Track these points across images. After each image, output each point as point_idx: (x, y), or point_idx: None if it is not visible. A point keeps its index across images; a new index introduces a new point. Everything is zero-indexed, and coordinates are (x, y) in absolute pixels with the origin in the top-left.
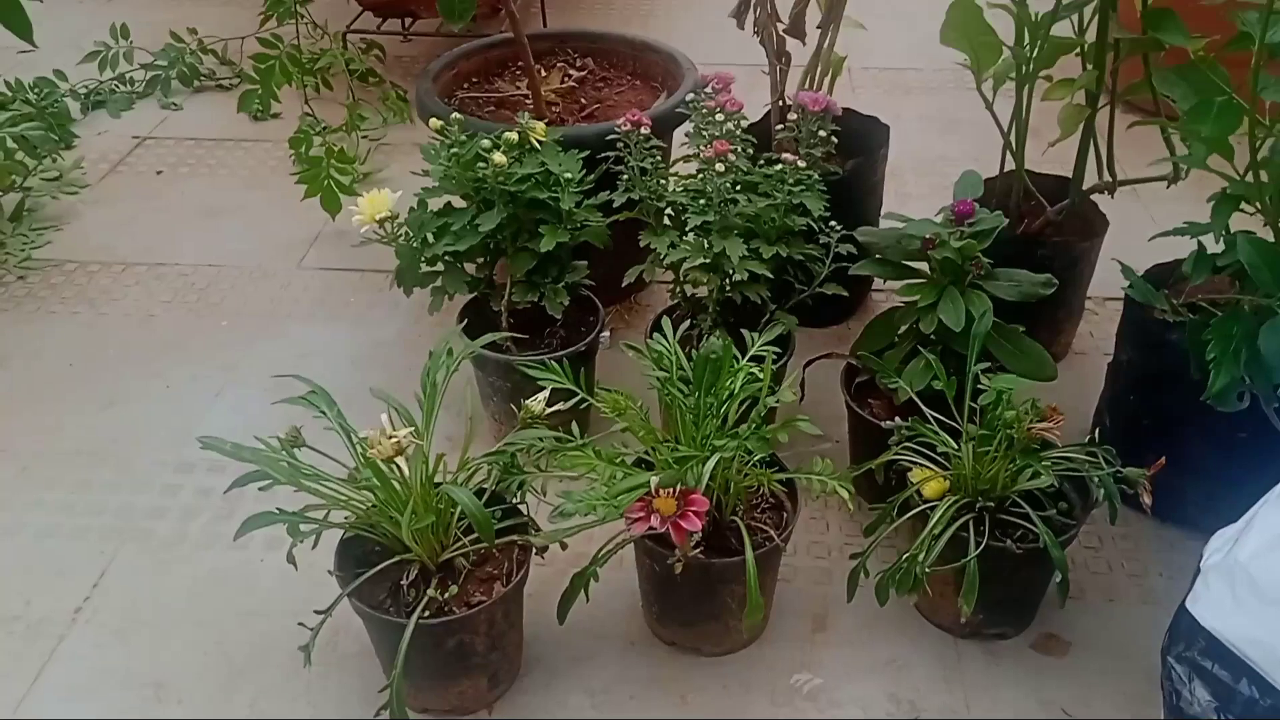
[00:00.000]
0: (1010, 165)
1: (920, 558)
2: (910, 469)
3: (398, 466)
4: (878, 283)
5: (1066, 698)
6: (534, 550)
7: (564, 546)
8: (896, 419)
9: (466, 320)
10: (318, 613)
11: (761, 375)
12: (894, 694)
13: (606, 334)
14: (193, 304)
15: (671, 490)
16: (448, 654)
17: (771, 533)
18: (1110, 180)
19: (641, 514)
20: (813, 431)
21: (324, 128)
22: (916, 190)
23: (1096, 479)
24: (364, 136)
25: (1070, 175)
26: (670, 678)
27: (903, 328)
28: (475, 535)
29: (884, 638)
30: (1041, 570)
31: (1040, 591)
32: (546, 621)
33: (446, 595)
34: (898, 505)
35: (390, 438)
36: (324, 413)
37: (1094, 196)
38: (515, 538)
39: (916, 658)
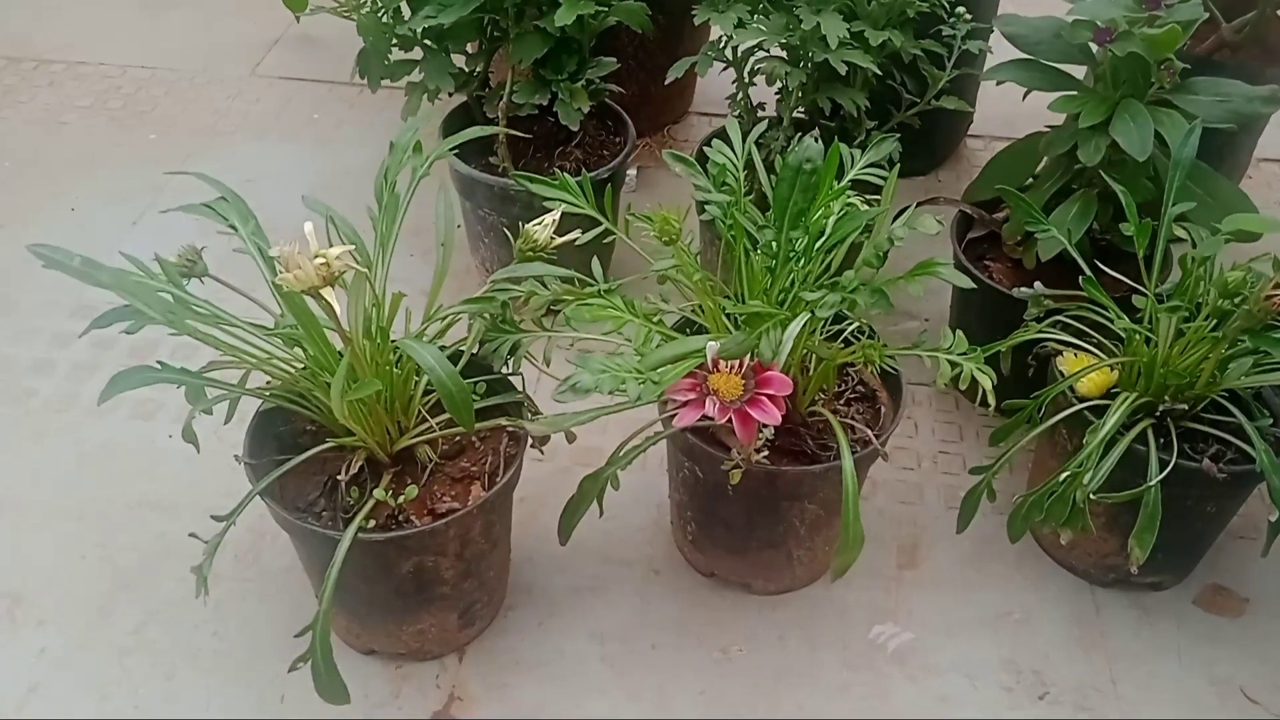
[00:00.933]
0: None
1: (1087, 479)
2: (1058, 354)
3: (326, 305)
4: (976, 127)
5: (1245, 674)
6: (529, 441)
7: (571, 437)
8: (1037, 285)
9: (450, 132)
10: (217, 518)
11: (864, 206)
12: (1011, 660)
13: (632, 171)
14: (115, 111)
15: (736, 365)
16: (402, 581)
17: (867, 433)
18: None
19: (692, 395)
20: (957, 280)
21: None
22: None
23: None
24: None
25: None
26: (708, 622)
27: (1045, 161)
28: (447, 416)
29: (996, 581)
30: (1233, 502)
31: (1219, 530)
32: (542, 539)
33: (401, 499)
34: (1045, 402)
35: (317, 257)
36: (234, 228)
37: None
38: (504, 421)
39: (1041, 611)
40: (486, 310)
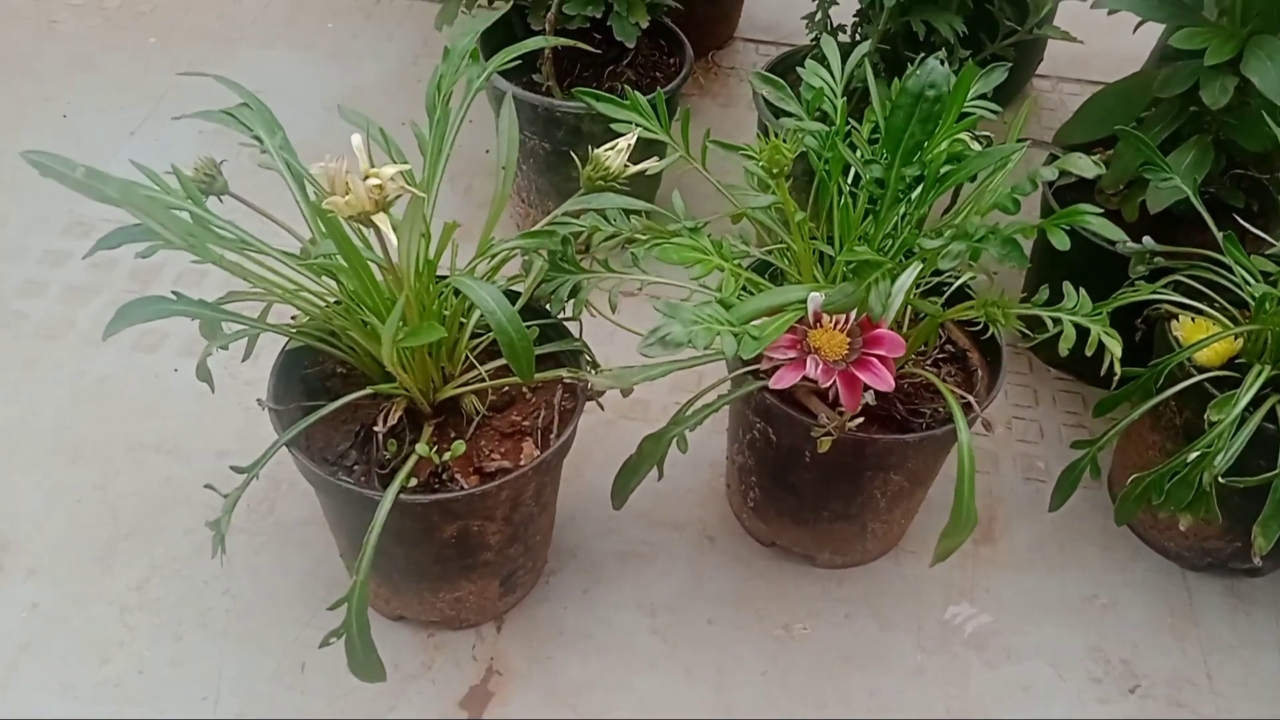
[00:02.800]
0: None
1: (1218, 461)
2: (1172, 318)
3: (378, 233)
4: (1044, 67)
5: None
6: (586, 395)
7: (628, 391)
8: (1147, 239)
9: (491, 49)
10: (237, 470)
11: (977, 145)
12: (1098, 648)
13: None
14: (111, 11)
15: (840, 320)
16: (444, 546)
17: (968, 398)
18: None
19: (793, 353)
20: (1109, 231)
21: None
22: None
23: None
24: None
25: None
26: (769, 596)
27: (1154, 104)
28: (499, 363)
29: (1080, 561)
30: None
31: None
32: (586, 498)
33: (447, 456)
34: (1162, 372)
35: (368, 178)
36: (259, 140)
37: None
38: (563, 373)
39: (1130, 595)
40: (546, 245)
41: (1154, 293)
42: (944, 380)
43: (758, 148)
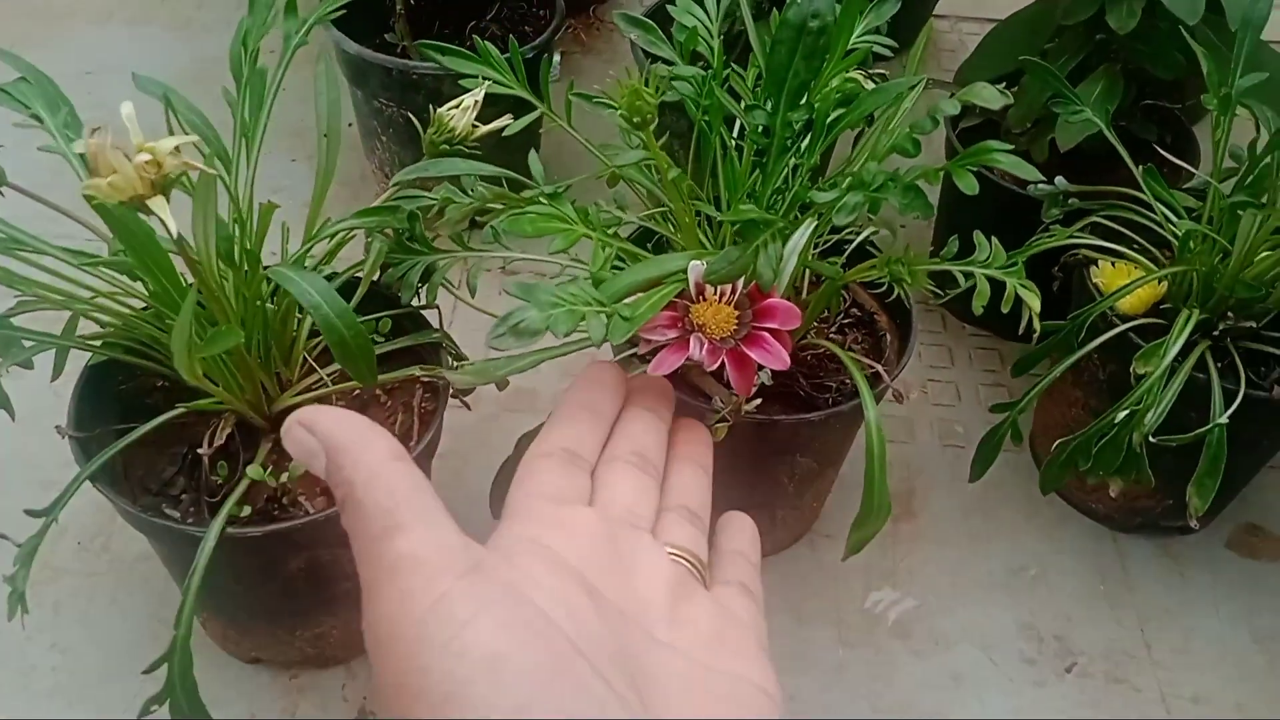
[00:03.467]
0: None
1: (1149, 417)
2: (1090, 264)
3: (160, 223)
4: (942, 6)
5: None
6: (449, 391)
7: (503, 385)
8: (1059, 179)
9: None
10: (33, 514)
11: (869, 84)
12: (1030, 625)
13: (556, 56)
14: None
15: (726, 291)
16: (291, 579)
17: (876, 367)
18: None
19: (673, 333)
20: (1023, 171)
21: None
22: None
23: None
24: None
25: None
26: None
27: (1057, 35)
28: (338, 366)
29: (1006, 531)
30: None
31: (1261, 464)
32: (470, 503)
33: (285, 477)
34: (1083, 325)
35: (140, 153)
36: (38, 119)
37: None
38: (417, 371)
39: (1059, 564)
40: (388, 224)
41: (1070, 237)
42: (850, 349)
43: (619, 92)
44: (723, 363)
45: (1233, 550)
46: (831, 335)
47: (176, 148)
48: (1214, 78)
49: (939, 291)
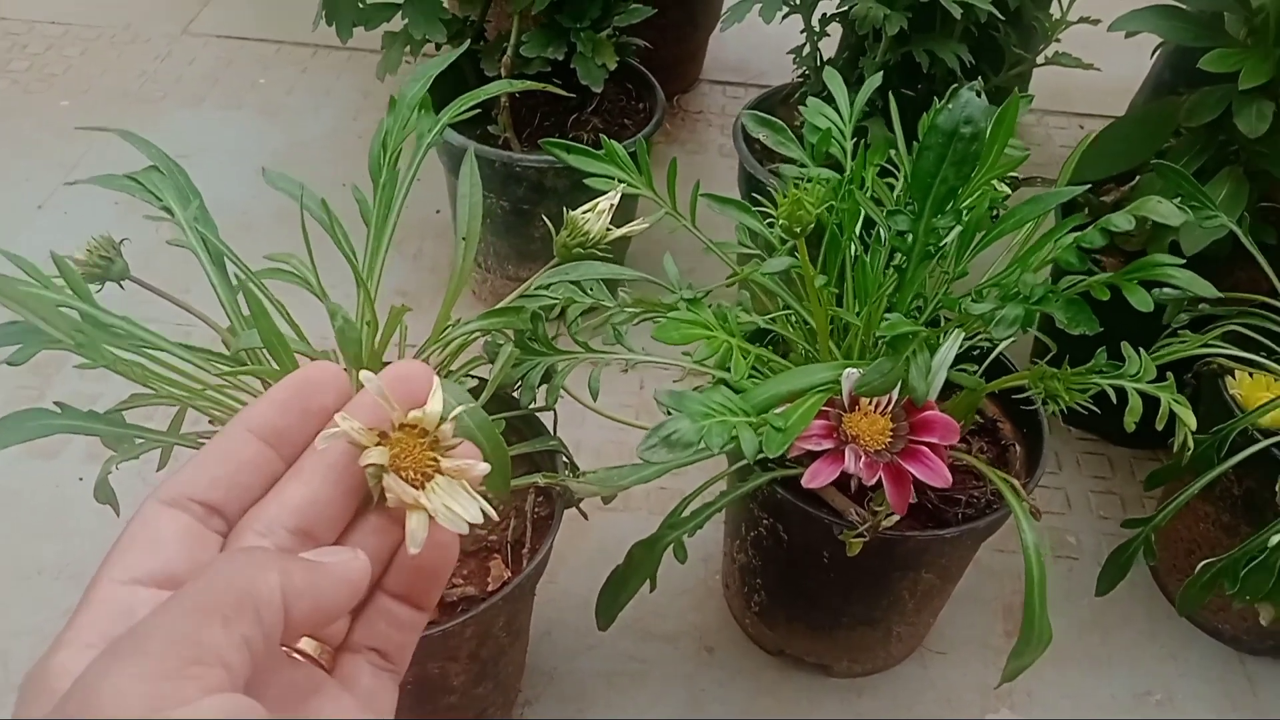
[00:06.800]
0: None
1: None
2: (1226, 374)
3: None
4: None
5: None
6: (566, 500)
7: (608, 499)
8: None
9: (439, 100)
10: None
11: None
12: None
13: None
14: (20, 74)
15: (881, 402)
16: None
17: (1014, 483)
18: None
19: (828, 444)
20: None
21: None
22: None
23: None
24: None
25: None
26: (778, 714)
27: (1180, 133)
28: None
29: (1127, 651)
30: None
31: None
32: (562, 607)
33: None
34: (1225, 441)
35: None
36: (169, 211)
37: None
38: (538, 478)
39: (1185, 688)
40: (514, 325)
41: (1203, 345)
42: (975, 457)
43: (780, 201)
44: (880, 476)
45: None
46: (956, 445)
47: (451, 412)
48: None
49: (1090, 408)
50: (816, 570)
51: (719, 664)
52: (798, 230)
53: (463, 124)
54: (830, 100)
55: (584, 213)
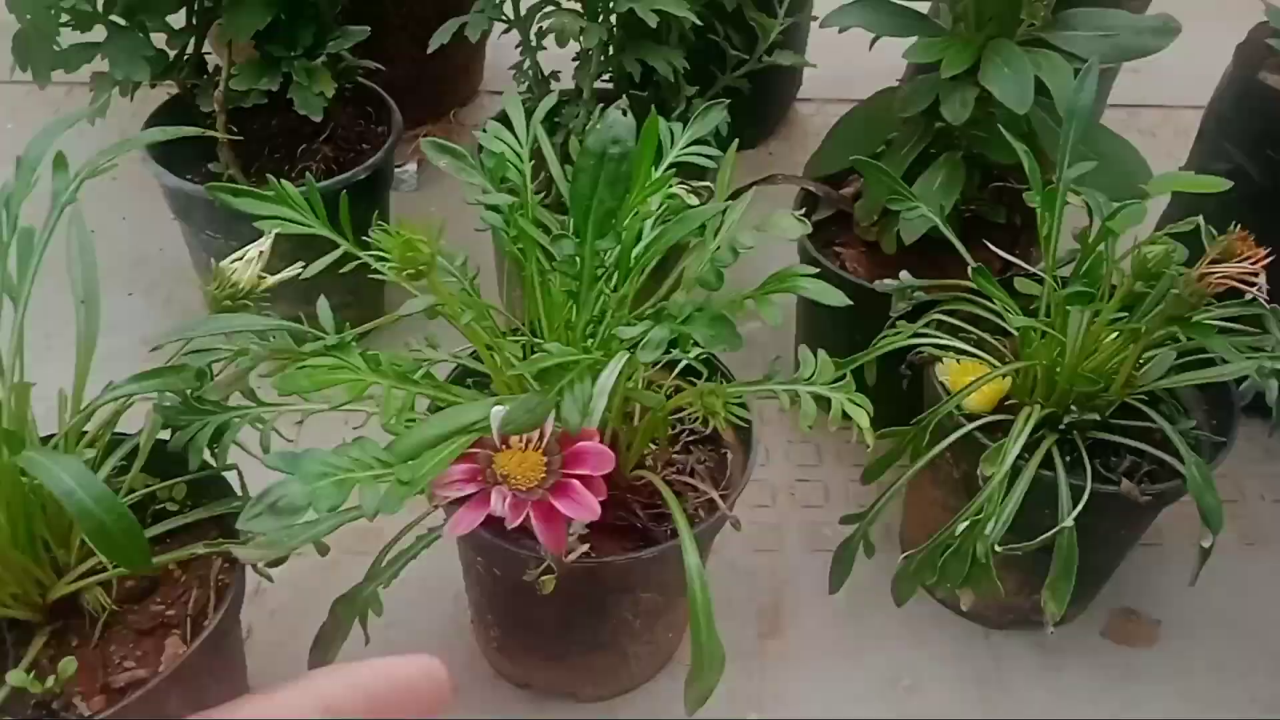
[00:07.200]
0: None
1: (990, 527)
2: (935, 361)
3: None
4: (806, 89)
5: (1170, 712)
6: (243, 564)
7: (324, 550)
8: (904, 274)
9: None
10: None
11: (694, 199)
12: None
13: (410, 167)
14: None
15: (534, 437)
16: None
17: (711, 492)
18: None
19: (470, 486)
20: (828, 298)
21: None
22: None
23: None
24: None
25: None
26: None
27: (900, 123)
28: None
29: (876, 640)
30: (1149, 520)
31: (1126, 551)
32: (294, 654)
33: (51, 683)
34: (930, 426)
35: None
36: None
37: None
38: (198, 548)
39: (932, 671)
40: (173, 386)
41: (915, 334)
42: (694, 469)
43: (392, 240)
44: (528, 516)
45: (1108, 638)
46: (676, 455)
47: None
48: (1035, 175)
49: (745, 421)
50: (534, 603)
51: (468, 702)
52: (410, 273)
53: (184, 162)
54: (510, 125)
55: (232, 262)
